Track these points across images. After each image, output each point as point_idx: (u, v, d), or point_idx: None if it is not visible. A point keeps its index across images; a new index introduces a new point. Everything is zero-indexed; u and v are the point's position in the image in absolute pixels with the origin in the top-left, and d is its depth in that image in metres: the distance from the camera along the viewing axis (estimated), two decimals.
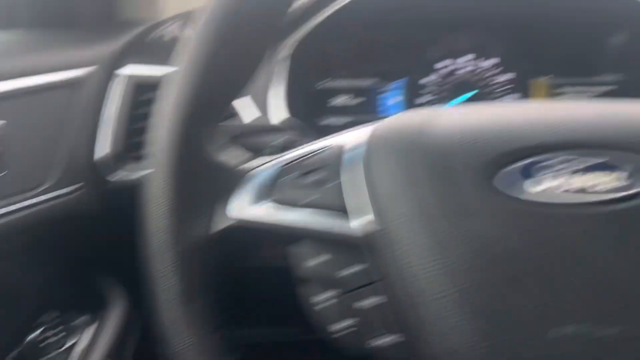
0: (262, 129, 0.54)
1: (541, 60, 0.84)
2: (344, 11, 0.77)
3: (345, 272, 0.35)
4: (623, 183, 0.32)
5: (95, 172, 0.71)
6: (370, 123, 0.38)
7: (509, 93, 0.86)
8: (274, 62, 0.77)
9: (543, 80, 0.85)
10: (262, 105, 0.75)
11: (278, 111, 0.74)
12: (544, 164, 0.33)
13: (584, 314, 0.30)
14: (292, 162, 0.38)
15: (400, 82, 0.87)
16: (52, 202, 0.65)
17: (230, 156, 0.40)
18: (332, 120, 0.88)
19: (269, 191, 0.37)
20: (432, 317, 0.32)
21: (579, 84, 0.84)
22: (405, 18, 0.84)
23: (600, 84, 0.83)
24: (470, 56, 0.86)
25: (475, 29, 0.85)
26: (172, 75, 0.37)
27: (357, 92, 0.87)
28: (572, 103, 0.38)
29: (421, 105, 0.87)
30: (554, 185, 0.32)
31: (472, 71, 0.87)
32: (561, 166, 0.33)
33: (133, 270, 0.42)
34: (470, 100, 0.86)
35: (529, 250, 0.31)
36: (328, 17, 0.77)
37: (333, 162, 0.36)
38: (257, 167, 0.39)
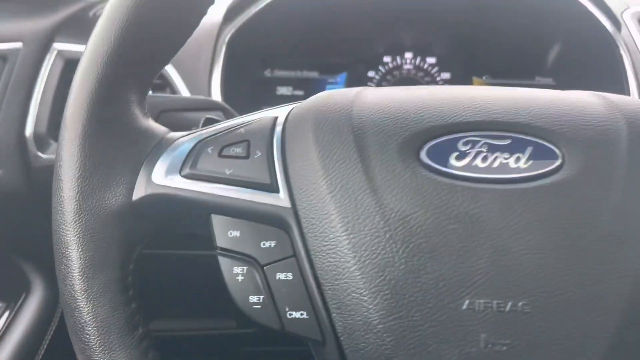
0: (192, 104, 0.53)
1: (476, 61, 0.87)
2: (283, 3, 0.78)
3: (260, 246, 0.35)
4: (524, 165, 0.34)
5: (22, 151, 0.68)
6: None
7: None
8: (216, 48, 0.76)
9: (478, 80, 0.88)
10: (205, 87, 0.75)
11: (216, 94, 0.73)
12: (466, 140, 0.34)
13: (493, 288, 0.31)
14: (212, 135, 0.38)
15: (342, 76, 0.88)
16: None
17: (158, 125, 0.39)
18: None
19: (189, 162, 0.37)
20: (337, 294, 0.33)
21: (511, 86, 0.87)
22: (348, 12, 0.85)
23: (532, 87, 0.87)
24: (410, 54, 0.88)
25: (416, 26, 0.88)
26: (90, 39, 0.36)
27: (298, 83, 0.88)
28: (496, 88, 0.40)
29: None
30: (474, 161, 0.33)
31: (415, 68, 0.89)
32: (483, 144, 0.34)
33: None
34: None
35: (443, 224, 0.32)
36: (265, 8, 0.77)
37: (253, 137, 0.36)
38: (181, 137, 0.38)
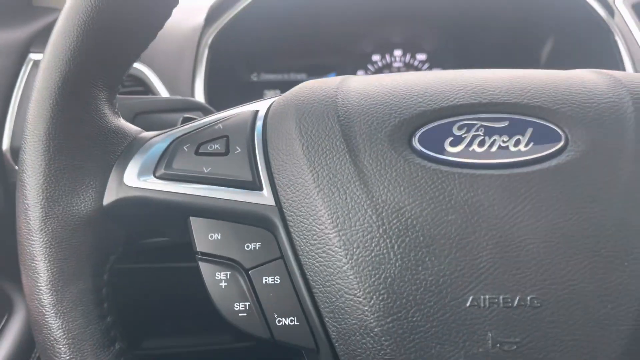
0: (169, 105, 0.50)
1: (467, 56, 0.85)
2: (265, 3, 0.76)
3: (244, 248, 0.33)
4: (525, 148, 0.31)
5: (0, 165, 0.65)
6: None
7: None
8: (198, 52, 0.74)
9: None
10: (188, 94, 0.72)
11: (199, 100, 0.71)
12: (461, 123, 0.31)
13: (499, 282, 0.29)
14: (188, 133, 0.35)
15: (330, 76, 0.86)
16: None
17: (130, 125, 0.37)
18: None
19: (163, 162, 0.34)
20: (329, 297, 0.30)
21: None
22: (334, 11, 0.83)
23: None
24: (399, 51, 0.86)
25: (404, 24, 0.86)
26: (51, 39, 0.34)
27: (286, 86, 0.85)
28: (490, 70, 0.37)
29: None
30: (471, 146, 0.31)
31: (404, 65, 0.87)
32: (480, 127, 0.31)
33: None
34: None
35: (440, 215, 0.29)
36: (247, 8, 0.75)
37: (232, 132, 0.34)
38: (154, 137, 0.36)
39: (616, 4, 0.76)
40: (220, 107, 0.73)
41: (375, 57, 0.86)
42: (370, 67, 0.86)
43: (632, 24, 0.74)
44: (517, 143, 0.31)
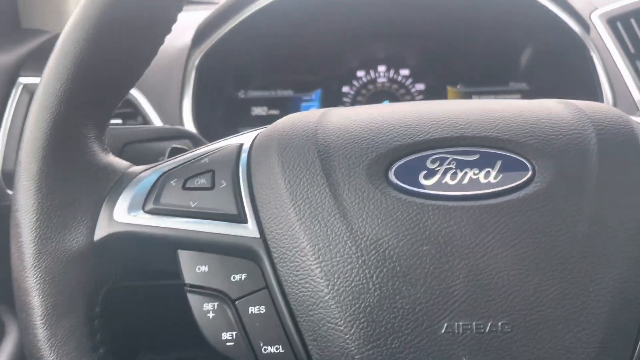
0: (157, 134, 0.52)
1: (450, 71, 0.87)
2: (251, 23, 0.77)
3: (231, 279, 0.34)
4: (494, 180, 0.33)
5: None
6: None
7: None
8: (186, 73, 0.75)
9: (452, 89, 0.88)
10: (177, 114, 0.73)
11: (187, 119, 0.72)
12: (434, 157, 0.33)
13: (471, 309, 0.30)
14: (175, 167, 0.36)
15: (316, 93, 0.88)
16: None
17: (120, 160, 0.38)
18: None
19: (152, 197, 0.35)
20: (313, 325, 0.31)
21: (486, 93, 0.88)
22: (318, 29, 0.85)
23: (506, 93, 0.87)
24: (383, 67, 0.88)
25: (388, 40, 0.88)
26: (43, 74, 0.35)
27: (273, 103, 0.87)
28: (462, 101, 0.39)
29: None
30: (443, 178, 0.32)
31: (389, 81, 0.88)
32: (452, 160, 0.33)
33: None
34: None
35: (415, 245, 0.31)
36: (234, 29, 0.76)
37: (218, 166, 0.35)
38: (143, 171, 0.37)
39: (592, 19, 0.79)
40: (209, 126, 0.75)
41: (360, 73, 0.88)
42: (355, 82, 0.88)
43: (608, 39, 0.76)
44: (487, 175, 0.33)
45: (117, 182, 0.37)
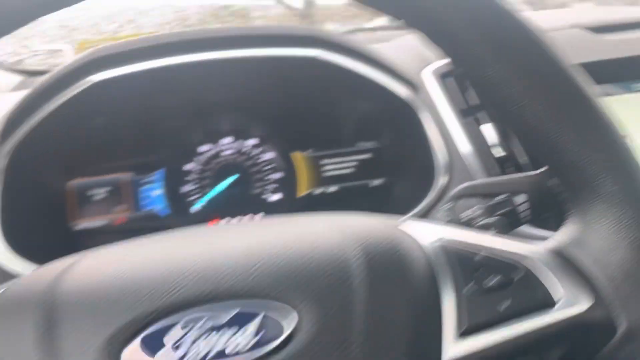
0: None
1: (298, 137, 0.85)
2: (73, 107, 0.70)
3: None
4: (255, 339, 0.29)
5: None
6: None
7: (272, 172, 0.85)
8: None
9: (302, 155, 0.86)
10: None
11: None
12: (172, 329, 0.29)
13: None
14: None
15: (159, 173, 0.82)
16: None
17: None
18: (87, 224, 0.79)
19: None
20: None
21: (337, 155, 0.86)
22: (158, 108, 0.80)
23: (357, 153, 0.87)
24: (229, 139, 0.84)
25: (232, 111, 0.84)
26: None
27: (112, 186, 0.80)
28: (218, 236, 0.35)
29: (187, 194, 0.82)
30: (192, 352, 0.28)
31: (236, 152, 0.85)
32: (191, 328, 0.29)
33: None
34: (234, 184, 0.83)
35: None
36: (51, 114, 0.69)
37: None
38: None
39: (422, 77, 0.79)
40: (27, 234, 0.66)
41: (204, 148, 0.83)
42: (200, 157, 0.83)
43: (441, 97, 0.77)
44: (247, 335, 0.29)
45: None
